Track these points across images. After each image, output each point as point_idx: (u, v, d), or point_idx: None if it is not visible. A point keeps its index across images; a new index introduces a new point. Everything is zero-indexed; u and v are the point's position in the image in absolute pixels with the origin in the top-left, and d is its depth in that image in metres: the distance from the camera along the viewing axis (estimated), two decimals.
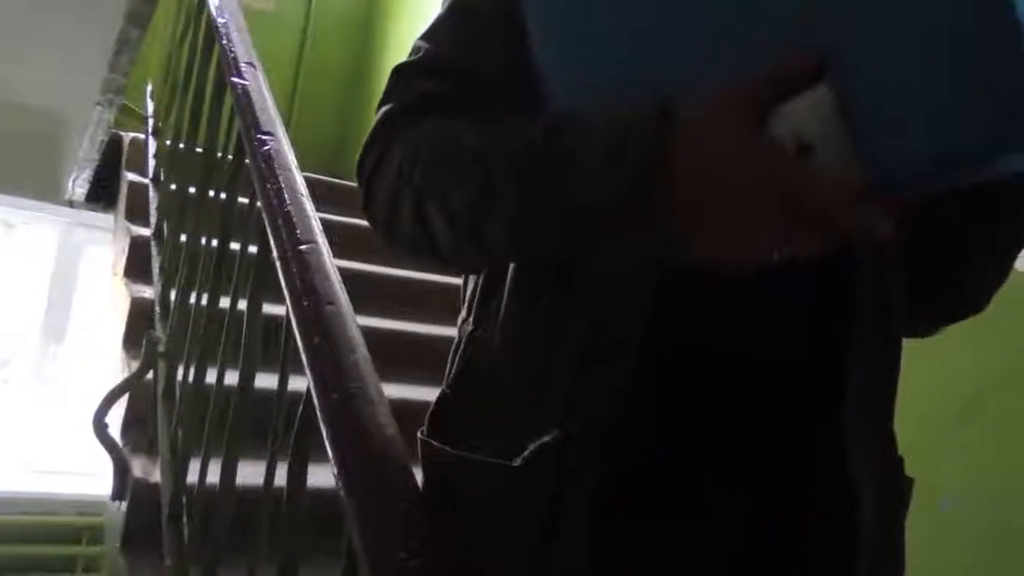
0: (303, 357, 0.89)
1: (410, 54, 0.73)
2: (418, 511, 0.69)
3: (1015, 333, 1.60)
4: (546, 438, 0.62)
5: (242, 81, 1.52)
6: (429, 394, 0.76)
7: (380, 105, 0.72)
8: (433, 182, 0.63)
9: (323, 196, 2.45)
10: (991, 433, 1.60)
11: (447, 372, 0.75)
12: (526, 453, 0.62)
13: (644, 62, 0.56)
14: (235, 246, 1.53)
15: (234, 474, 1.24)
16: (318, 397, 0.84)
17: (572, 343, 0.64)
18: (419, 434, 0.73)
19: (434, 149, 0.64)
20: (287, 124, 4.75)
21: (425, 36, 0.73)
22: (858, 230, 0.48)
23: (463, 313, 0.75)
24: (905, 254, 0.66)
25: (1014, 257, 0.70)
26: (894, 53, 0.47)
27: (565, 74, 0.59)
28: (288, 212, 1.11)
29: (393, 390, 1.97)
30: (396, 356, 2.17)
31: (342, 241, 2.30)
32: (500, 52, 0.65)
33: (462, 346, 0.74)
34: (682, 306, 0.63)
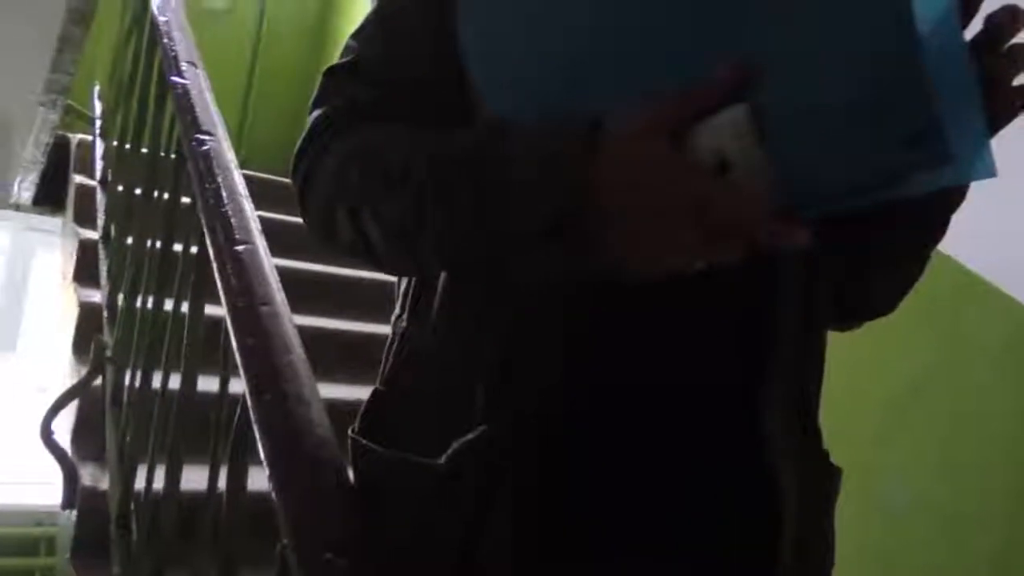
0: (237, 358, 0.88)
1: (342, 54, 0.72)
2: (349, 511, 0.69)
3: (958, 321, 1.63)
4: (470, 436, 0.62)
5: (182, 80, 1.50)
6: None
7: (312, 108, 0.71)
8: (365, 192, 0.63)
9: (276, 197, 2.42)
10: (933, 420, 1.63)
11: (381, 369, 0.74)
12: (450, 452, 0.62)
13: (576, 72, 0.56)
14: (180, 248, 1.51)
15: (178, 479, 1.22)
16: (251, 398, 0.83)
17: (497, 345, 0.64)
18: (350, 431, 0.72)
19: (366, 160, 0.64)
20: (240, 124, 4.67)
21: (355, 35, 0.73)
22: (774, 243, 0.49)
23: (397, 310, 0.75)
24: (822, 264, 0.67)
25: (922, 265, 0.71)
26: (812, 73, 0.48)
27: (496, 86, 0.59)
28: (225, 212, 1.10)
29: (341, 391, 1.94)
30: (356, 356, 2.14)
31: (297, 243, 2.27)
32: (428, 54, 0.65)
33: (396, 343, 0.73)
34: (610, 311, 0.62)
